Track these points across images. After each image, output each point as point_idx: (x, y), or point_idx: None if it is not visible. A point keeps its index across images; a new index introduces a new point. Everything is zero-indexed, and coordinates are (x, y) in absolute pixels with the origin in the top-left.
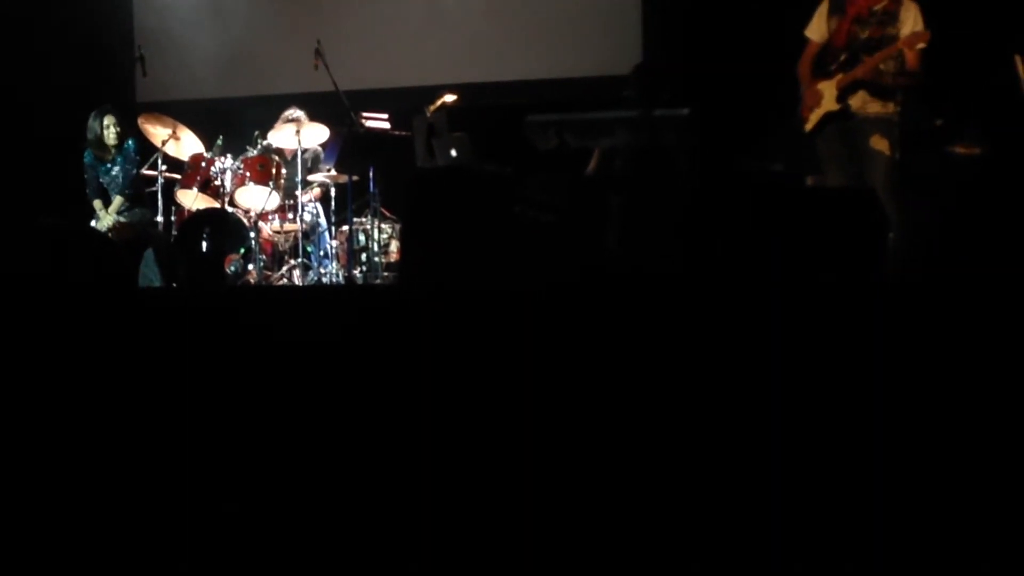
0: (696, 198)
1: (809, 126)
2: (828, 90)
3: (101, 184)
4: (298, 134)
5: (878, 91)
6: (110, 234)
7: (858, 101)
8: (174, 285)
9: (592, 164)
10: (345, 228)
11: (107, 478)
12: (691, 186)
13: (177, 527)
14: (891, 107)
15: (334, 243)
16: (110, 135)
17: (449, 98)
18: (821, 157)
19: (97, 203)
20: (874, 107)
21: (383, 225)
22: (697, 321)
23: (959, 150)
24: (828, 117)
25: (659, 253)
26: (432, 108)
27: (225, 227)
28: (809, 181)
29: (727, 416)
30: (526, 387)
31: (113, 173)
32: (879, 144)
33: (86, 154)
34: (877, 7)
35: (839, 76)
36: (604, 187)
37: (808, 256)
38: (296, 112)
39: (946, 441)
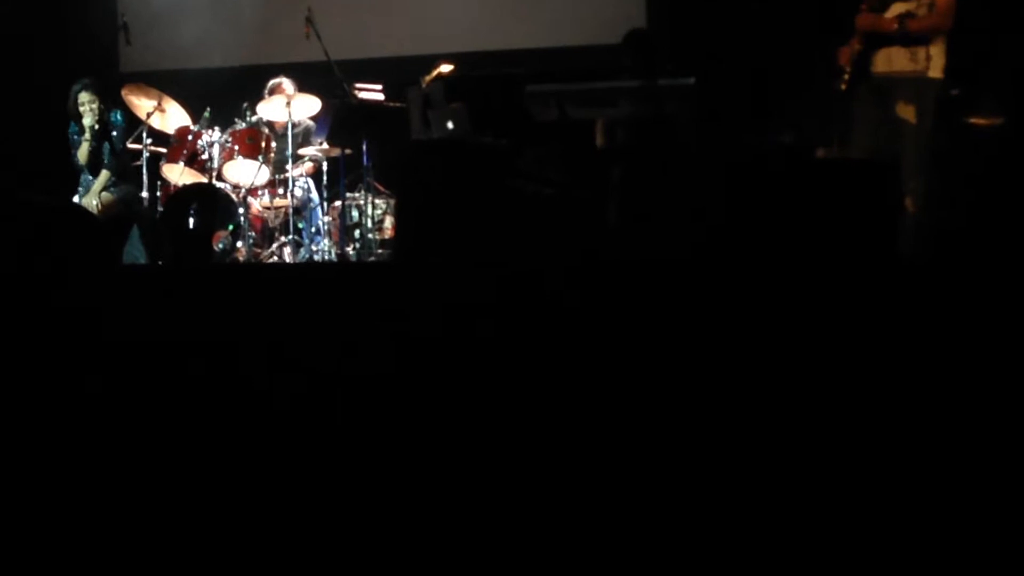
0: (700, 172)
1: (844, 85)
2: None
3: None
4: (288, 106)
5: (904, 38)
6: (95, 210)
7: (884, 58)
8: (160, 263)
9: (599, 137)
10: (338, 204)
11: (91, 464)
12: (696, 159)
13: (165, 518)
14: (921, 60)
15: (326, 219)
16: (86, 112)
17: (445, 68)
18: (853, 121)
19: (82, 178)
20: (901, 60)
21: (377, 200)
22: (701, 307)
23: (979, 121)
24: (858, 73)
25: (662, 230)
26: (428, 78)
27: (213, 203)
28: (820, 153)
29: (732, 408)
30: (521, 371)
31: (94, 147)
32: (905, 111)
33: (70, 126)
34: None
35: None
36: (606, 160)
37: (815, 235)
38: (283, 82)
39: (961, 431)
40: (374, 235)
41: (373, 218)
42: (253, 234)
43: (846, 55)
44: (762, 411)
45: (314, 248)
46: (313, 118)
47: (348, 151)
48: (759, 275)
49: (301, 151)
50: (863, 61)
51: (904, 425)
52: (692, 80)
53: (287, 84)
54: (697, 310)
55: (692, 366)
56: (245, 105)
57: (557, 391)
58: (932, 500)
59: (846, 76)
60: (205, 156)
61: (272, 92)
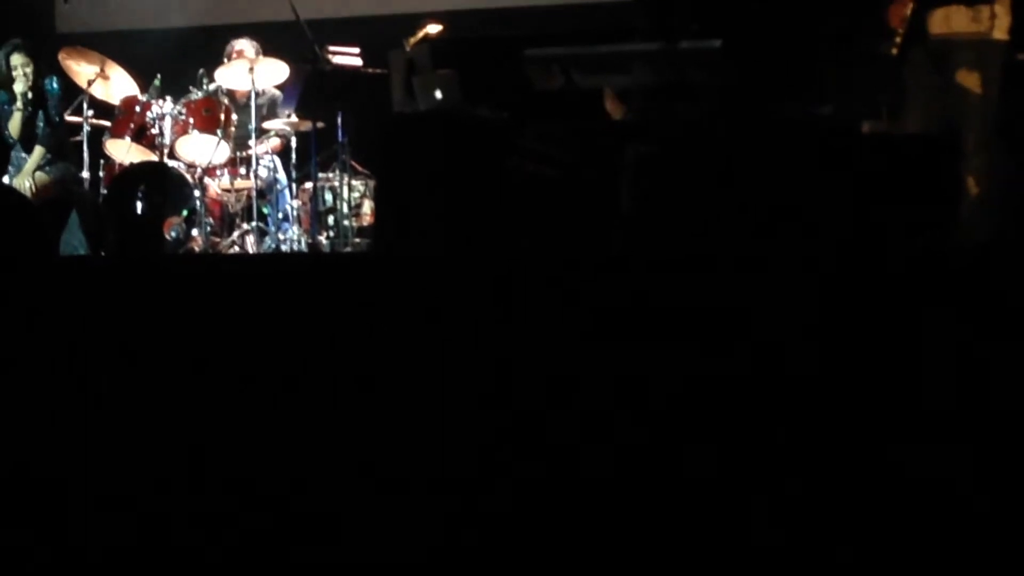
0: (728, 149)
1: (895, 48)
2: None
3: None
4: (251, 72)
5: None
6: (28, 193)
7: (941, 17)
8: (103, 254)
9: (610, 109)
10: (308, 185)
11: (27, 471)
12: (722, 134)
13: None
14: (985, 20)
15: (295, 203)
16: (18, 78)
17: (433, 29)
18: (906, 90)
19: (13, 155)
20: (962, 20)
21: (354, 182)
22: (728, 306)
23: None
24: (912, 35)
25: (683, 218)
26: (412, 41)
27: (164, 184)
28: (867, 127)
29: (774, 417)
30: (515, 379)
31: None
32: (967, 78)
33: (0, 95)
34: None
35: None
36: (618, 136)
37: (863, 221)
38: (244, 44)
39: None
40: (350, 222)
41: (349, 202)
42: (211, 220)
43: (897, 14)
44: (813, 418)
45: (281, 236)
46: (280, 87)
47: (320, 125)
48: (797, 268)
49: (266, 125)
50: (917, 21)
51: (968, 425)
52: (718, 43)
53: (248, 47)
54: (724, 309)
55: (722, 373)
56: (201, 72)
57: (556, 401)
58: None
59: (898, 39)
60: (155, 130)
61: (231, 56)
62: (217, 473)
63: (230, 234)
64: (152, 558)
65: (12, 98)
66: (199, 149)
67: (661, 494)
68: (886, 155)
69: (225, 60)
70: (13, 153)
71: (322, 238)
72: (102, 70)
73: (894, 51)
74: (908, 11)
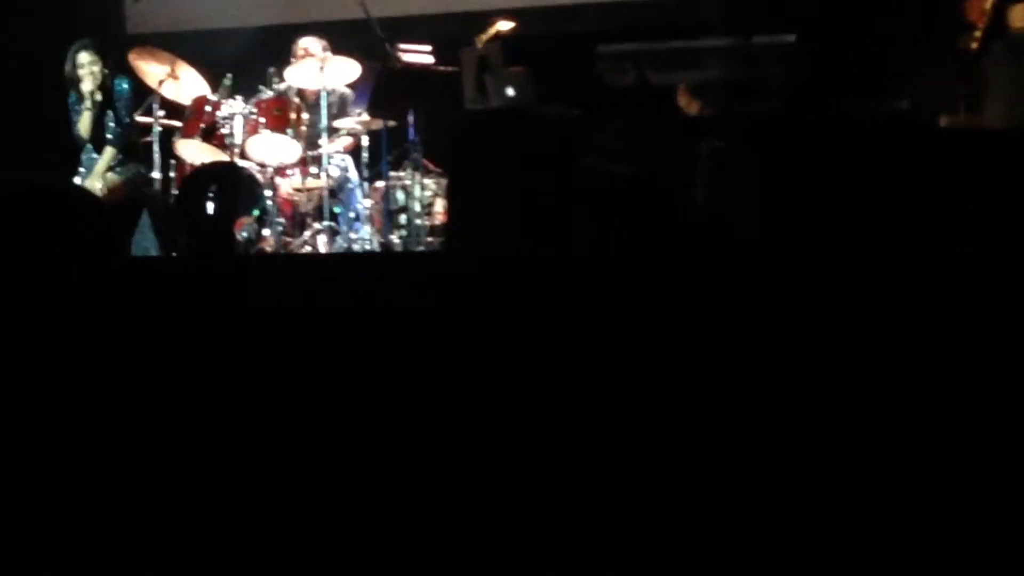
0: (801, 145)
1: (975, 43)
2: None
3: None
4: (322, 71)
5: None
6: (100, 194)
7: (1021, 12)
8: (174, 255)
9: (683, 104)
10: (380, 185)
11: (92, 476)
12: (796, 130)
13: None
14: None
15: (367, 203)
16: (85, 77)
17: (504, 26)
18: (985, 84)
19: (84, 156)
20: None
21: (426, 180)
22: (806, 306)
23: None
24: (992, 29)
25: (758, 215)
26: (484, 38)
27: (235, 185)
28: (944, 122)
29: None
30: (594, 380)
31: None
32: None
33: (70, 96)
34: None
35: None
36: (691, 133)
37: (941, 220)
38: (310, 42)
39: None
40: (422, 220)
41: (421, 201)
42: (282, 220)
43: (976, 8)
44: (905, 424)
45: (353, 236)
46: (351, 85)
47: (392, 123)
48: (875, 269)
49: (337, 123)
50: (998, 15)
51: None
52: (792, 37)
53: (315, 44)
54: (803, 310)
55: (802, 378)
56: (272, 71)
57: (634, 404)
58: None
59: (977, 33)
60: (226, 130)
61: (298, 55)
62: (288, 472)
63: (301, 234)
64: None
65: (81, 98)
66: (270, 148)
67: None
68: (964, 150)
69: (292, 59)
70: (84, 155)
71: (394, 237)
72: (172, 70)
73: (974, 45)
74: (988, 5)
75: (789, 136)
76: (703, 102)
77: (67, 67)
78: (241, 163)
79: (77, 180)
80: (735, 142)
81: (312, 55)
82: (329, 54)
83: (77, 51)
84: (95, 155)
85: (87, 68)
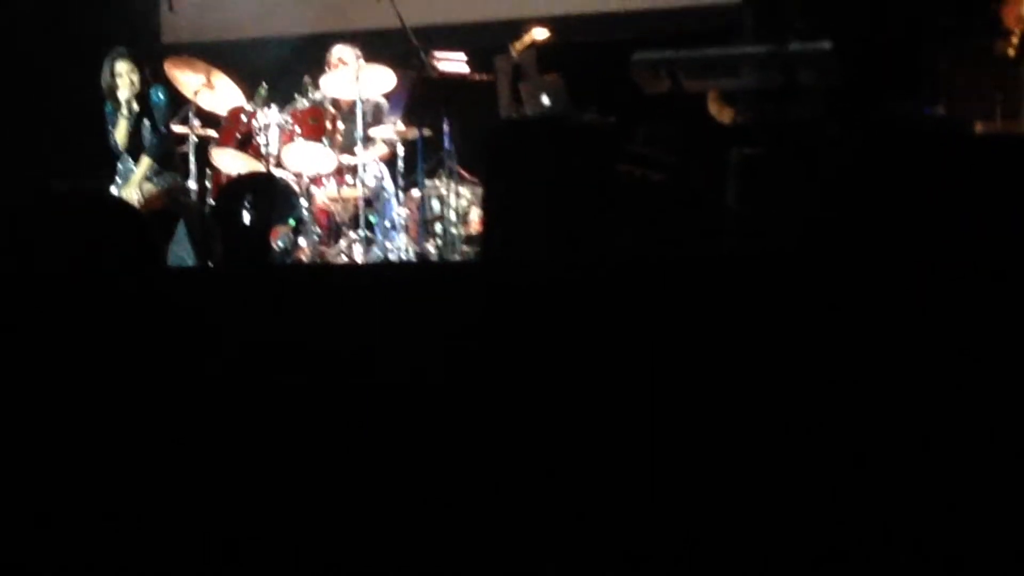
0: (836, 150)
1: (1012, 49)
2: None
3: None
4: (357, 80)
5: None
6: (136, 204)
7: None
8: (210, 264)
9: (714, 111)
10: (416, 193)
11: (134, 480)
12: (828, 135)
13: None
14: None
15: (402, 212)
16: (123, 86)
17: (539, 33)
18: (1022, 90)
19: (120, 165)
20: None
21: (461, 189)
22: (840, 311)
23: None
24: None
25: (792, 219)
26: (519, 46)
27: (271, 194)
28: (980, 127)
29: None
30: (632, 387)
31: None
32: None
33: (106, 106)
34: None
35: None
36: (723, 138)
37: (977, 227)
38: (344, 50)
39: None
40: (458, 229)
41: (457, 210)
42: (318, 230)
43: (1013, 13)
44: (925, 424)
45: (389, 245)
46: (385, 94)
47: (427, 132)
48: (909, 274)
49: (372, 132)
50: None
51: None
52: (828, 44)
53: (348, 53)
54: (836, 315)
55: (829, 379)
56: (307, 80)
57: (673, 407)
58: None
59: (1014, 39)
60: (261, 140)
61: (332, 64)
62: (323, 481)
63: (337, 243)
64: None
65: (117, 108)
66: (305, 158)
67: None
68: (1000, 156)
69: (327, 67)
70: (120, 164)
71: (430, 246)
72: (208, 80)
73: (1011, 51)
74: None
75: (823, 142)
76: (735, 109)
77: (104, 76)
78: (277, 172)
79: (113, 190)
80: (768, 148)
81: (346, 64)
82: (363, 63)
83: (114, 60)
84: (131, 165)
85: (125, 77)
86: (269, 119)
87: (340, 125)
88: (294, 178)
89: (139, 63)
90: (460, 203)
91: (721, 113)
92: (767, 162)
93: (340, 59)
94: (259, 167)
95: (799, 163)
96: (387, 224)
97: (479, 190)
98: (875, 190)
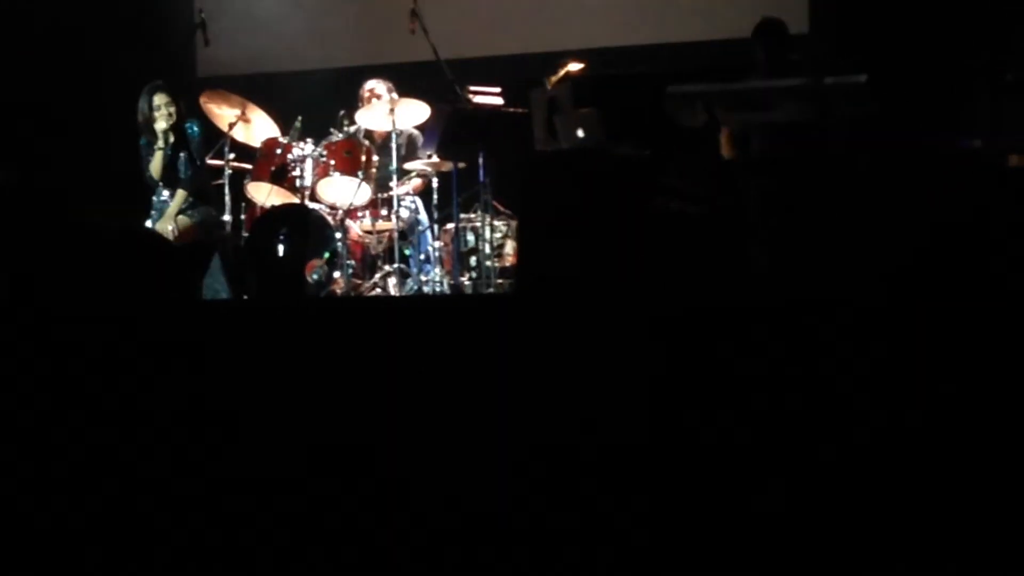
0: (866, 184)
1: None
2: None
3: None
4: (392, 113)
5: None
6: (171, 236)
7: None
8: (245, 297)
9: (728, 151)
10: (450, 226)
11: (175, 511)
12: (850, 167)
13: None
14: None
15: (437, 244)
16: (161, 117)
17: (574, 67)
18: None
19: (155, 199)
20: None
21: (496, 222)
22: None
23: None
24: None
25: (819, 261)
26: (554, 79)
27: (305, 227)
28: (1015, 161)
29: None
30: (674, 426)
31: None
32: None
33: (141, 139)
34: None
35: None
36: (741, 174)
37: (1016, 263)
38: (376, 84)
39: None
40: (493, 262)
41: (492, 243)
42: (352, 262)
43: None
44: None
45: (423, 278)
46: (420, 127)
47: (461, 165)
48: (945, 313)
49: (407, 165)
50: None
51: None
52: (864, 77)
53: (381, 87)
54: (872, 359)
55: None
56: (342, 113)
57: (716, 452)
58: None
59: None
60: (296, 173)
61: (365, 97)
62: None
63: (372, 276)
64: None
65: (151, 141)
66: (340, 191)
67: None
68: None
69: (359, 102)
70: (155, 197)
71: (464, 279)
72: (243, 113)
73: None
74: None
75: (842, 175)
76: (742, 149)
77: (142, 109)
78: (311, 205)
79: (148, 223)
80: (781, 182)
81: (379, 97)
82: (395, 95)
83: (152, 93)
84: (167, 198)
85: (163, 110)
86: (304, 152)
87: (375, 158)
88: (329, 211)
89: (176, 96)
90: (495, 236)
91: (731, 153)
92: (781, 197)
93: (372, 91)
94: (294, 200)
95: (821, 199)
96: (422, 257)
97: (514, 223)
98: (908, 222)
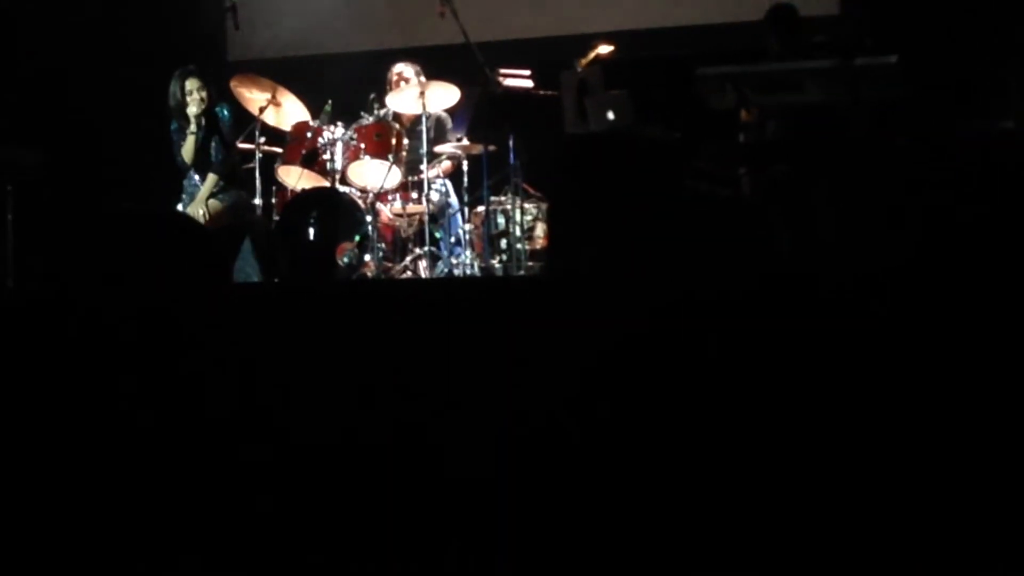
0: (895, 164)
1: None
2: None
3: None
4: (422, 96)
5: None
6: (202, 220)
7: None
8: (276, 280)
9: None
10: (481, 209)
11: (204, 493)
12: (870, 152)
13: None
14: None
15: (467, 227)
16: (193, 102)
17: (604, 49)
18: None
19: (186, 182)
20: None
21: (526, 205)
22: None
23: None
24: None
25: (850, 238)
26: (584, 62)
27: (336, 210)
28: None
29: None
30: (703, 411)
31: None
32: None
33: (172, 124)
34: None
35: None
36: (761, 156)
37: None
38: (404, 68)
39: None
40: (523, 245)
41: (522, 225)
42: (383, 246)
43: None
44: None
45: (454, 261)
46: (450, 110)
47: (492, 148)
48: (975, 295)
49: (437, 148)
50: None
51: None
52: (894, 58)
53: (408, 70)
54: (910, 332)
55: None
56: (372, 97)
57: (744, 434)
58: None
59: None
60: (327, 156)
61: (393, 81)
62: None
63: (402, 259)
64: None
65: (183, 126)
66: (371, 174)
67: None
68: None
69: (388, 86)
70: (186, 181)
71: (495, 262)
72: (273, 97)
73: None
74: None
75: (888, 155)
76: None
77: (174, 94)
78: (342, 189)
79: (179, 207)
80: (796, 166)
81: (407, 80)
82: (423, 79)
83: (184, 77)
84: (197, 182)
85: (195, 94)
86: (334, 136)
87: (405, 141)
88: (359, 194)
89: (207, 81)
90: (525, 218)
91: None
92: (795, 181)
93: (400, 76)
94: (324, 183)
95: (841, 182)
96: (452, 240)
97: (544, 205)
98: (942, 202)
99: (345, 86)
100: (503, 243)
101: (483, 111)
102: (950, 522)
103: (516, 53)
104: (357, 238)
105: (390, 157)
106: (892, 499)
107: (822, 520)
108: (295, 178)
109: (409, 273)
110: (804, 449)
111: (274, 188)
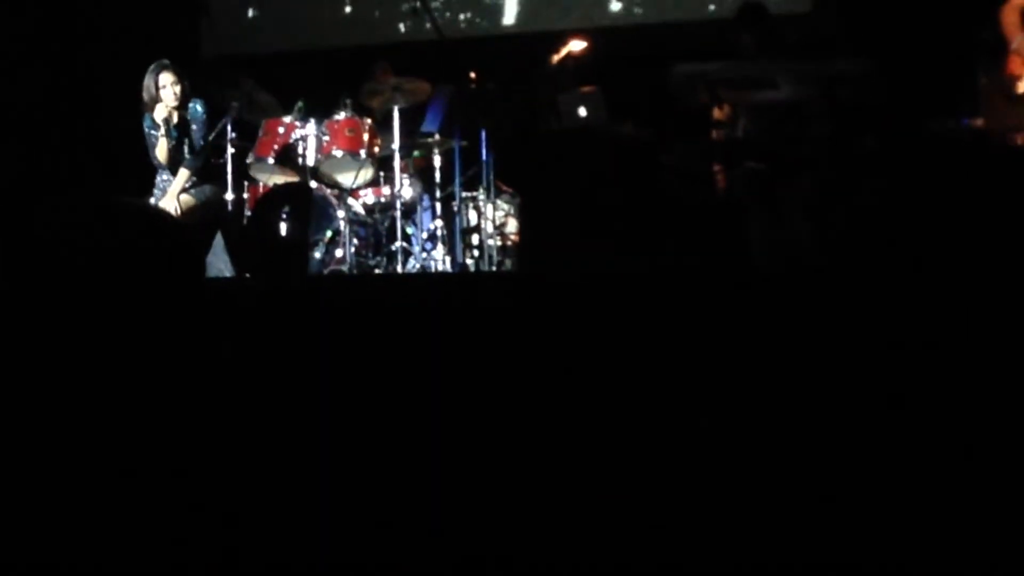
0: (873, 164)
1: (1021, 88)
2: None
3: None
4: (394, 92)
5: None
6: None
7: None
8: (248, 276)
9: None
10: (452, 205)
11: (179, 491)
12: (834, 152)
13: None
14: None
15: (439, 223)
16: (167, 97)
17: (576, 45)
18: None
19: (158, 178)
20: None
21: (498, 200)
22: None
23: None
24: None
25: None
26: (556, 58)
27: (308, 206)
28: (1021, 139)
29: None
30: (671, 406)
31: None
32: None
33: (145, 118)
34: None
35: None
36: (735, 153)
37: (1015, 241)
38: (377, 64)
39: None
40: (494, 241)
41: (493, 221)
42: (356, 241)
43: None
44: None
45: (425, 256)
46: (422, 106)
47: (464, 143)
48: (945, 290)
49: (409, 144)
50: None
51: None
52: (868, 60)
53: (379, 66)
54: (871, 327)
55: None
56: (344, 93)
57: (716, 429)
58: None
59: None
60: (299, 151)
61: (368, 77)
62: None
63: (375, 254)
64: None
65: (157, 120)
66: (343, 169)
67: None
68: None
69: (364, 81)
70: (158, 176)
71: (466, 258)
72: (246, 92)
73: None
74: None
75: (859, 156)
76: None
77: (148, 89)
78: (314, 184)
79: (151, 201)
80: (768, 163)
81: (378, 76)
82: (393, 76)
83: (158, 72)
84: (169, 177)
85: (169, 89)
86: (306, 131)
87: (377, 137)
88: (331, 190)
89: (182, 75)
90: (497, 215)
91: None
92: (766, 178)
93: (376, 73)
94: (296, 179)
95: (814, 180)
96: (424, 235)
97: (516, 201)
98: (912, 202)
99: (318, 82)
100: (474, 239)
101: (455, 107)
102: (950, 522)
103: (489, 49)
104: (329, 234)
105: (362, 153)
106: (891, 499)
107: (812, 521)
108: (267, 174)
109: (381, 268)
110: (774, 448)
111: (246, 184)
